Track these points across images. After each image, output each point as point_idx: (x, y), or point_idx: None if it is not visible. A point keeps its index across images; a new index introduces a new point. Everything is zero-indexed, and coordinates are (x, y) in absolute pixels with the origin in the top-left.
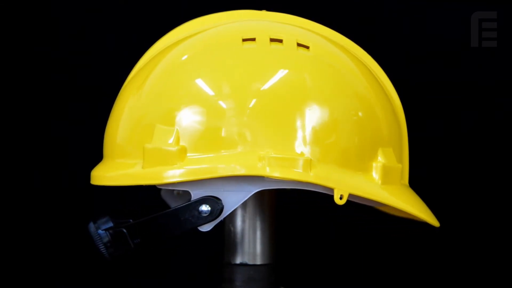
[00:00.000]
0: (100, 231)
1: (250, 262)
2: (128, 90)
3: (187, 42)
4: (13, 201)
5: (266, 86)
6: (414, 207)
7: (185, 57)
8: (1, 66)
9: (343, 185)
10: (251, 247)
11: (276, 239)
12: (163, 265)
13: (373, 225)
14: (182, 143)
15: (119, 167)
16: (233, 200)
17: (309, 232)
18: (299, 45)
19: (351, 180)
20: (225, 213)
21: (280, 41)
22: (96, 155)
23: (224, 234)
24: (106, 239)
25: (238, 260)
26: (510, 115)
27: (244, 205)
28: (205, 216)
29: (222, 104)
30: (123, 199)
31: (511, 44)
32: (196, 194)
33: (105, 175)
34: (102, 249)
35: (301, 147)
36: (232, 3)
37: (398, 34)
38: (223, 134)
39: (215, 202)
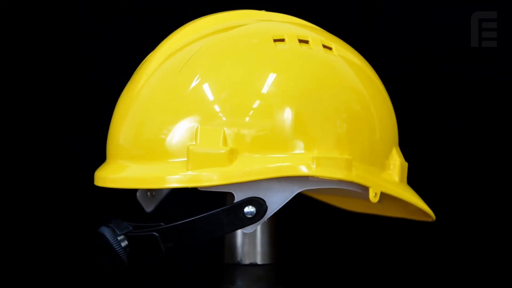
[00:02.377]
0: (118, 235)
1: (250, 262)
2: (140, 89)
3: (209, 42)
4: (14, 201)
5: (311, 87)
6: (426, 205)
7: (214, 56)
8: (1, 67)
9: (376, 183)
10: (252, 247)
11: (276, 239)
12: (163, 265)
13: (373, 225)
14: (229, 144)
15: (121, 168)
16: (277, 200)
17: (309, 232)
18: (324, 46)
19: (378, 178)
20: (269, 214)
21: (306, 42)
22: (97, 156)
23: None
24: (124, 244)
25: (238, 261)
26: (510, 115)
27: None
28: (250, 218)
29: (268, 105)
30: (123, 201)
31: (511, 44)
32: (239, 195)
33: (108, 176)
34: (121, 254)
35: (339, 147)
36: (232, 3)
37: (397, 33)
38: (270, 135)
39: (260, 203)
